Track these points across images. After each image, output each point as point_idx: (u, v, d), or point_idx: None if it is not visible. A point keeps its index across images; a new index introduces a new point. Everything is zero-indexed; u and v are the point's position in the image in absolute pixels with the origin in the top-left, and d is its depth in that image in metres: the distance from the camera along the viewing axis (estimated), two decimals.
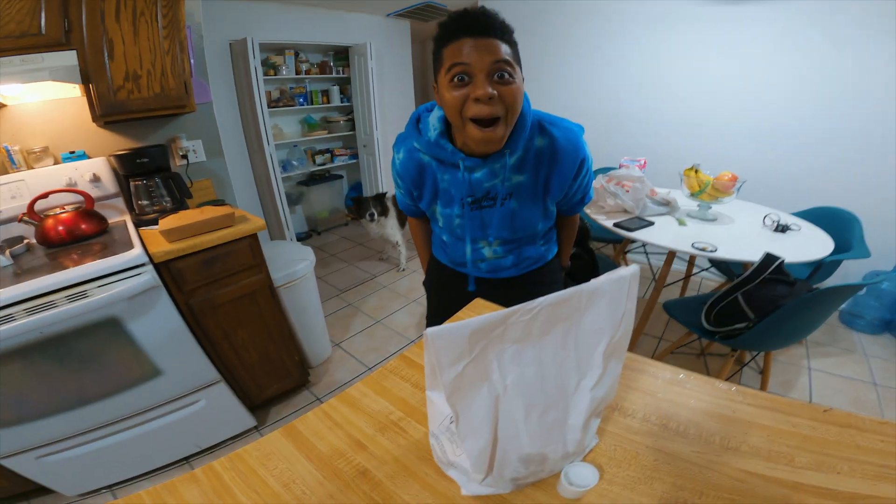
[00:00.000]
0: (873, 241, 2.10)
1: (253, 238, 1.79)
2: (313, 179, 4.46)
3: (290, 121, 4.31)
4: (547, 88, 3.57)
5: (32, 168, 1.80)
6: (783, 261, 1.56)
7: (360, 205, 3.38)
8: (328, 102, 4.35)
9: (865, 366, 2.34)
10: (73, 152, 1.88)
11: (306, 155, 4.43)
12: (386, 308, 2.96)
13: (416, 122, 1.03)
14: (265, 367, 1.97)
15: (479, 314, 0.94)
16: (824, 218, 2.24)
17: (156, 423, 1.72)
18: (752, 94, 2.89)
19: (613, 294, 0.58)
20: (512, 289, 1.17)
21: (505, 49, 0.82)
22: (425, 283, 1.36)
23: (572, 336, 0.57)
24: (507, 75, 0.83)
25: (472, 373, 0.52)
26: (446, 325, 0.50)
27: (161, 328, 1.60)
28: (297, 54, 4.00)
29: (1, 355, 1.33)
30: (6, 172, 1.76)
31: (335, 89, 4.36)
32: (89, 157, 1.90)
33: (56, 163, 1.85)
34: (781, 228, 2.01)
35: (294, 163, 4.26)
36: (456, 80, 0.83)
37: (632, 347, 2.19)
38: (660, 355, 2.29)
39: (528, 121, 0.95)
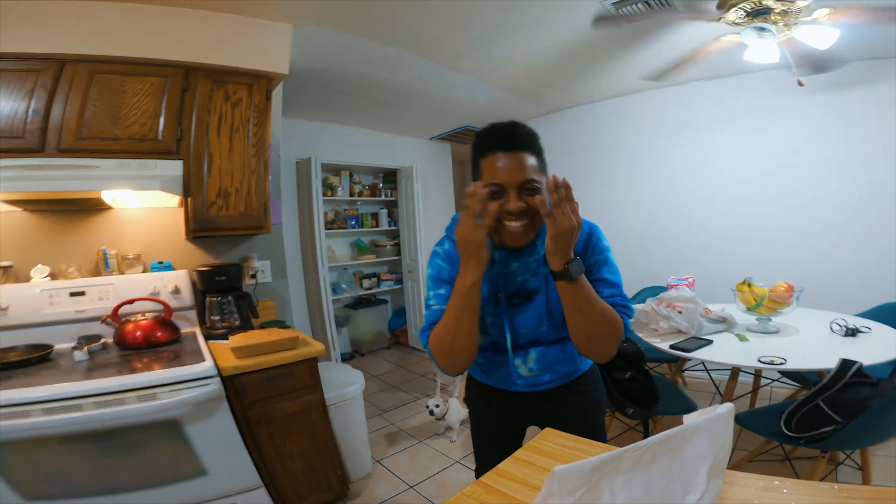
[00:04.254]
0: None
1: (312, 361, 1.87)
2: (359, 303, 4.60)
3: (342, 243, 4.63)
4: (583, 213, 3.73)
5: (123, 273, 2.01)
6: (861, 365, 1.50)
7: None
8: (377, 226, 4.69)
9: None
10: (161, 262, 2.09)
11: (355, 278, 4.64)
12: (429, 429, 2.84)
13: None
14: (308, 477, 1.90)
15: (549, 442, 0.94)
16: (892, 314, 2.18)
17: None
18: (790, 195, 2.96)
19: (713, 429, 0.65)
20: (549, 402, 1.16)
21: (531, 162, 0.96)
22: (466, 400, 1.35)
23: (677, 463, 0.63)
24: (534, 188, 0.96)
25: (588, 499, 0.58)
26: (573, 464, 0.59)
27: (216, 433, 1.62)
28: (351, 175, 4.42)
29: (55, 437, 1.37)
30: (99, 274, 1.96)
31: (383, 212, 4.72)
32: (174, 269, 2.11)
33: (145, 270, 2.06)
34: (851, 332, 1.93)
35: (343, 286, 4.44)
36: (492, 195, 0.95)
37: None
38: (737, 464, 2.05)
39: None
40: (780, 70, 2.69)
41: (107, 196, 1.93)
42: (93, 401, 1.39)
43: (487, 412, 1.24)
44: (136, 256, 2.06)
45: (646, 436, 2.03)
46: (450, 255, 1.08)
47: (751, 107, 3.06)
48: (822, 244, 2.88)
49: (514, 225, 0.97)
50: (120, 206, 2.05)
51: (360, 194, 4.50)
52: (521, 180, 0.94)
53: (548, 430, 1.02)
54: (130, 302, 1.88)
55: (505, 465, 0.87)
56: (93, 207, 1.99)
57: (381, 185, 4.69)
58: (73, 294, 1.84)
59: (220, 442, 1.62)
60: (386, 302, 4.87)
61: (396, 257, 4.77)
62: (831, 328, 2.01)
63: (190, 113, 1.85)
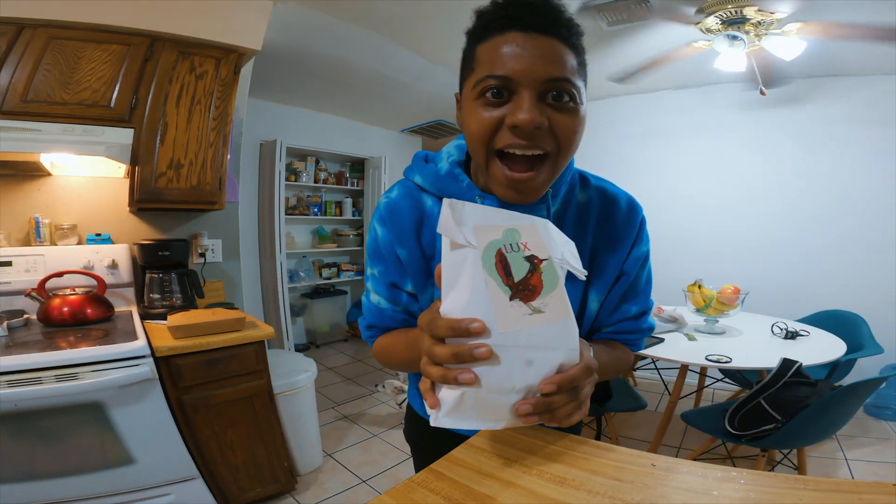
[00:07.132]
0: (882, 338, 2.15)
1: (259, 345, 1.78)
2: (317, 292, 4.47)
3: (303, 230, 4.48)
4: None
5: (55, 244, 1.84)
6: (801, 364, 1.57)
7: None
8: (341, 215, 4.58)
9: None
10: (98, 235, 1.93)
11: (314, 267, 4.50)
12: (384, 423, 2.79)
13: (424, 159, 0.77)
14: (250, 469, 1.81)
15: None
16: (830, 321, 2.31)
17: None
18: (746, 208, 3.11)
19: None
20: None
21: (570, 59, 0.54)
22: (406, 436, 0.99)
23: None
24: (567, 97, 0.55)
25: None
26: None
27: (145, 419, 1.51)
28: (317, 162, 4.29)
29: None
30: (29, 244, 1.80)
31: (348, 202, 4.61)
32: (113, 242, 1.95)
33: (80, 243, 1.90)
34: (791, 335, 2.04)
35: (301, 274, 4.30)
36: (489, 94, 0.54)
37: None
38: None
39: (570, 166, 0.69)
40: (744, 83, 2.80)
41: (46, 161, 1.77)
42: (6, 379, 1.27)
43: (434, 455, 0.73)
44: (72, 227, 1.89)
45: (599, 431, 2.06)
46: (387, 216, 0.72)
47: (713, 118, 3.17)
48: (772, 255, 3.04)
49: (518, 161, 0.56)
50: (60, 172, 1.89)
51: (325, 181, 4.37)
52: (546, 76, 0.52)
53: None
54: (59, 275, 1.72)
55: (458, 452, 0.83)
56: (29, 172, 1.82)
57: (347, 173, 4.58)
58: None
59: (149, 428, 1.51)
60: (345, 293, 4.75)
61: (359, 247, 4.66)
62: (772, 331, 2.11)
63: (149, 82, 1.75)
